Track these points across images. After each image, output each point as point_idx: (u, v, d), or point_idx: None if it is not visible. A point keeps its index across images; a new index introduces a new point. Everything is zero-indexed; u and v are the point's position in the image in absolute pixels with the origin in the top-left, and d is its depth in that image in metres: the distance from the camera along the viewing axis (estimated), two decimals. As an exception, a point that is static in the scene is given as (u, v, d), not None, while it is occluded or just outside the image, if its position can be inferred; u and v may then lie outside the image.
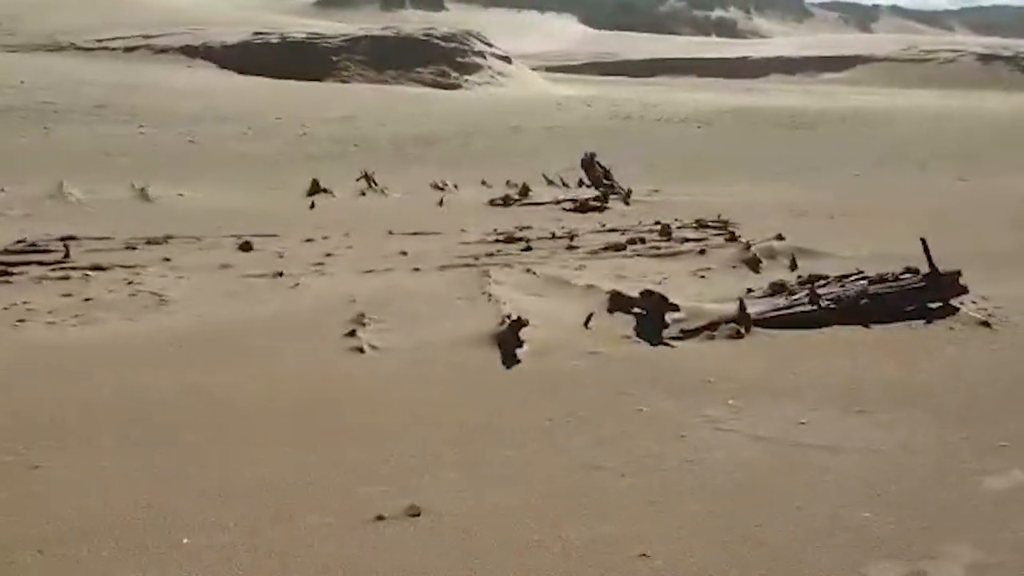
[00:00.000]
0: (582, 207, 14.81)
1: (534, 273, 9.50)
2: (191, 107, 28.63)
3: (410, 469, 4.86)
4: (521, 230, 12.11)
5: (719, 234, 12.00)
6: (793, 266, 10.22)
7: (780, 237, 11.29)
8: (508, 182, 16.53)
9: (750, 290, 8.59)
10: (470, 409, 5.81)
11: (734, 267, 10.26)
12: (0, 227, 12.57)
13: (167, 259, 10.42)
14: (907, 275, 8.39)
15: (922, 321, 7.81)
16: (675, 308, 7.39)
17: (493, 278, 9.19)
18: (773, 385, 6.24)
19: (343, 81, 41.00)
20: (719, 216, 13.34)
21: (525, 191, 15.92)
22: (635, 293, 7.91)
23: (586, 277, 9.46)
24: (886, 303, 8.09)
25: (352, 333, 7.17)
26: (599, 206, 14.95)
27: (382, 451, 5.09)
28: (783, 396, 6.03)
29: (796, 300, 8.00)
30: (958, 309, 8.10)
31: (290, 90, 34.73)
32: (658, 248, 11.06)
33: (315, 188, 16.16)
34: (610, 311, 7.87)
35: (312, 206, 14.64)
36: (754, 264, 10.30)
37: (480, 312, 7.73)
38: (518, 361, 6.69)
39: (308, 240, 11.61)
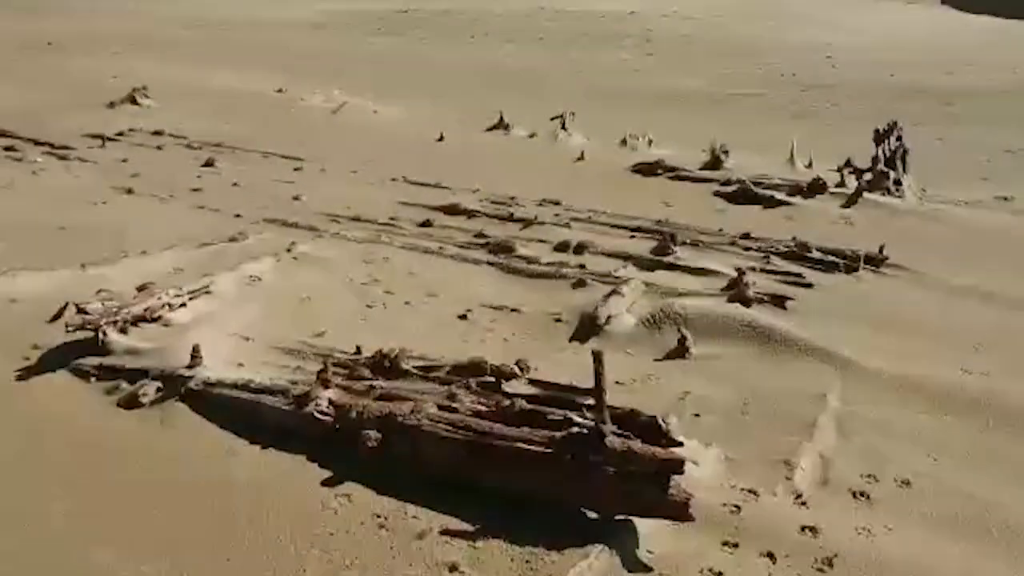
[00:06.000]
0: (736, 195, 10.63)
1: (288, 252, 7.91)
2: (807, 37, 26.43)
3: None
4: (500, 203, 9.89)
5: (785, 278, 7.98)
6: (680, 349, 6.55)
7: (744, 301, 7.26)
8: (719, 147, 11.94)
9: (359, 349, 5.82)
10: None
11: (558, 321, 7.17)
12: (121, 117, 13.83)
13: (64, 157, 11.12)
14: (578, 415, 4.56)
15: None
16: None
17: (244, 241, 8.07)
18: None
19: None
20: (881, 243, 8.54)
21: (715, 161, 12.18)
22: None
23: (335, 272, 7.69)
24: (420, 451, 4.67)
25: None
26: (768, 198, 10.46)
27: None
28: None
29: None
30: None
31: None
32: (537, 263, 8.20)
33: (499, 123, 15.04)
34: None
35: (440, 139, 13.41)
36: (586, 326, 7.07)
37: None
38: None
39: (294, 161, 11.21)
